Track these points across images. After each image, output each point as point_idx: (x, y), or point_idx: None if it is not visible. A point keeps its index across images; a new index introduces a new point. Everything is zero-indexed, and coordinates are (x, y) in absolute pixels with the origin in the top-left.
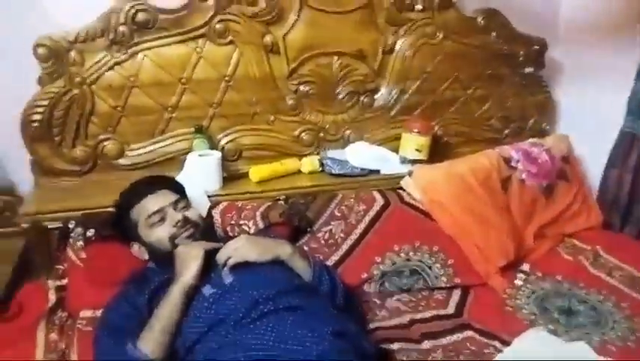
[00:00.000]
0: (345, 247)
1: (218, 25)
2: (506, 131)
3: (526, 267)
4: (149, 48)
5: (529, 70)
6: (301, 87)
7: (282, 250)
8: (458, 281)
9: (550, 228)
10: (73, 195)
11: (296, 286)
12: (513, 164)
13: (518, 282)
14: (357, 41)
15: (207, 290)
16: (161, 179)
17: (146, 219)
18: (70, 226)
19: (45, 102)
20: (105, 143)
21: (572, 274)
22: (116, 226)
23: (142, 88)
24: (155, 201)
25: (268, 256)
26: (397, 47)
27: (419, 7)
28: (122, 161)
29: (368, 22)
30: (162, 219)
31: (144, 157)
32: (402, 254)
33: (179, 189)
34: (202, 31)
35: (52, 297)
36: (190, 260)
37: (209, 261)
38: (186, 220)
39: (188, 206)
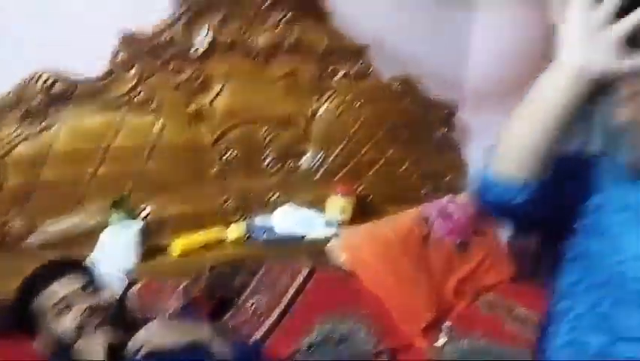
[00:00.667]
0: (272, 319)
1: (140, 95)
2: (424, 190)
3: (447, 324)
4: (65, 119)
5: (441, 132)
6: (227, 154)
7: (200, 333)
8: (384, 346)
9: (468, 283)
10: None
11: None
12: (431, 222)
13: (441, 341)
14: (282, 108)
15: None
16: (67, 261)
17: (52, 308)
18: None
19: None
20: (13, 221)
21: (490, 332)
22: (18, 317)
23: (56, 160)
24: (60, 287)
25: (184, 341)
26: (320, 112)
27: (339, 75)
28: (31, 240)
29: (292, 90)
30: (68, 307)
31: (57, 235)
32: (330, 323)
33: (87, 272)
34: (123, 100)
35: None
36: (93, 355)
37: (119, 353)
38: (92, 308)
39: (97, 290)
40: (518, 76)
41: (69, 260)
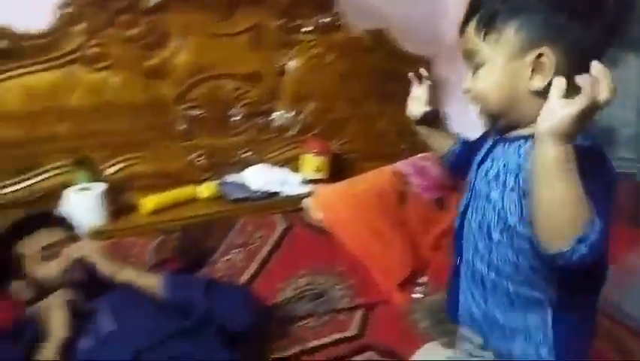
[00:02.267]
0: (246, 276)
1: (92, 50)
2: (402, 146)
3: (424, 279)
4: (10, 78)
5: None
6: (192, 112)
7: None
8: (360, 301)
9: (445, 238)
10: None
11: (184, 327)
12: (408, 179)
13: (417, 295)
14: (247, 63)
15: (83, 344)
16: (54, 215)
17: (37, 253)
18: None
19: None
20: None
21: None
22: None
23: (7, 120)
24: (49, 235)
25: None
26: (289, 68)
27: (307, 28)
28: None
29: (257, 44)
30: (54, 255)
31: (14, 195)
32: (305, 278)
33: (68, 224)
34: (73, 56)
35: None
36: (54, 311)
37: (79, 312)
38: (81, 261)
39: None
40: None
41: (56, 214)
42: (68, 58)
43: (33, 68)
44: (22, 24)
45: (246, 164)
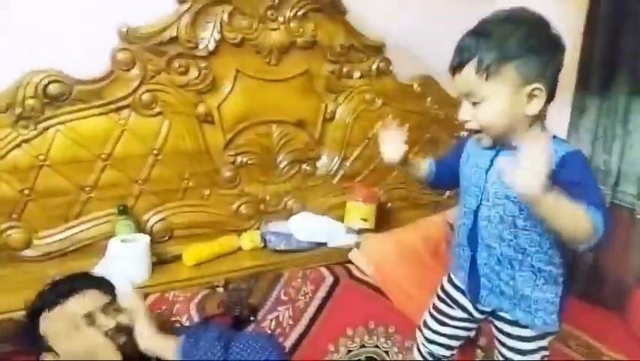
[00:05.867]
0: (294, 335)
1: (144, 96)
2: (447, 193)
3: (483, 342)
4: (62, 122)
5: (463, 133)
6: (239, 158)
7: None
8: None
9: None
10: None
11: None
12: None
13: (478, 359)
14: (296, 109)
15: None
16: (87, 277)
17: (70, 323)
18: None
19: None
20: (8, 232)
21: None
22: (26, 332)
23: (53, 167)
24: (81, 304)
25: None
26: (337, 114)
27: (357, 74)
28: (28, 252)
29: (307, 90)
30: (92, 323)
31: (56, 245)
32: (356, 339)
33: (109, 290)
34: (126, 102)
35: None
36: None
37: None
38: (119, 328)
39: (119, 310)
40: None
41: (89, 275)
42: (120, 104)
43: (84, 114)
44: (77, 69)
45: (289, 212)
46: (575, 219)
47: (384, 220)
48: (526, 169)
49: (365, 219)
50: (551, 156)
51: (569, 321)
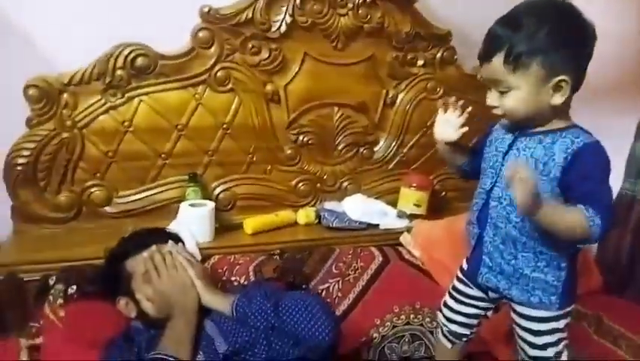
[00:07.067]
0: (343, 307)
1: (219, 73)
2: None
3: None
4: (146, 93)
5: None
6: (300, 137)
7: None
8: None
9: None
10: (54, 244)
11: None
12: None
13: None
14: (358, 93)
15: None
16: (164, 232)
17: (145, 273)
18: (51, 282)
19: (32, 145)
20: (92, 189)
21: (577, 341)
22: (106, 277)
23: (136, 133)
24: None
25: None
26: (398, 100)
27: (421, 62)
28: (108, 209)
29: (370, 75)
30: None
31: (133, 205)
32: (402, 316)
33: (180, 242)
34: (203, 78)
35: (24, 357)
36: (183, 345)
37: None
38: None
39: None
40: (614, 77)
41: (166, 231)
42: (197, 79)
43: (166, 86)
44: (161, 44)
45: (344, 192)
46: (572, 225)
47: (436, 209)
48: (516, 197)
49: (418, 205)
50: (535, 181)
51: (621, 323)
